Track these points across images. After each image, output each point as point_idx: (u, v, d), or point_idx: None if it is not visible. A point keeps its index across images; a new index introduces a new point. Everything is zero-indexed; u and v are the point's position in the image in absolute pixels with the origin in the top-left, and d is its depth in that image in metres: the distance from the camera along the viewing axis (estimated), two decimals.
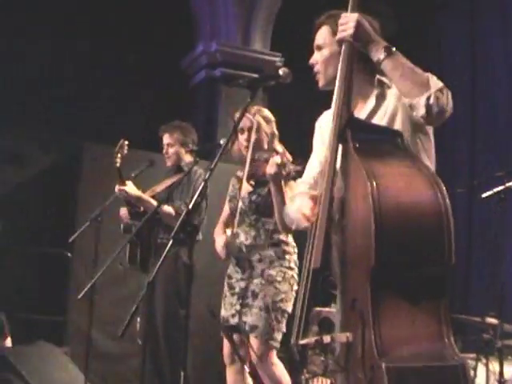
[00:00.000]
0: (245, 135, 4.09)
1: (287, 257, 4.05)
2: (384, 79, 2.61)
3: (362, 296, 2.14)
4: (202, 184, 2.63)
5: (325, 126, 2.79)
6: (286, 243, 4.09)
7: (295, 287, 3.98)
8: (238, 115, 3.87)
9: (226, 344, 4.11)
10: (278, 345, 3.95)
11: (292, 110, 4.26)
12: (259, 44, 7.83)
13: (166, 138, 5.18)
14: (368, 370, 2.08)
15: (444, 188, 2.16)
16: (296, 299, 3.89)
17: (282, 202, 3.68)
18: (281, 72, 2.85)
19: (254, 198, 4.08)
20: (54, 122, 7.08)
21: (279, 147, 4.10)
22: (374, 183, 2.10)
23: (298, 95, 5.65)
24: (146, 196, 4.96)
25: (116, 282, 5.94)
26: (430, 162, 2.49)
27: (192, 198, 2.69)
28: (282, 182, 3.54)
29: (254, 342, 3.92)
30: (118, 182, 4.98)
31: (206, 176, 2.62)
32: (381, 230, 2.06)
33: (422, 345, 2.10)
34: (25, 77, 6.95)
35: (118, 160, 5.06)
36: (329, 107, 2.80)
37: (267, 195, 3.87)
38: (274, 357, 3.99)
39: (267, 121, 4.17)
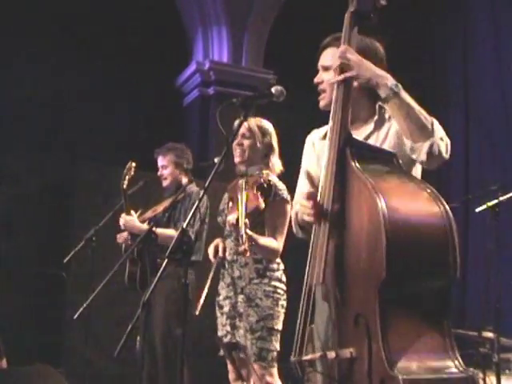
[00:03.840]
0: (237, 140, 4.00)
1: (268, 274, 3.89)
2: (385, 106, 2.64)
3: (368, 310, 2.17)
4: (196, 203, 2.64)
5: (318, 143, 2.84)
6: (269, 260, 3.95)
7: (281, 303, 3.87)
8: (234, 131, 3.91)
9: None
10: (270, 363, 3.80)
11: (285, 127, 4.25)
12: (252, 62, 7.87)
13: (160, 161, 5.23)
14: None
15: (446, 205, 2.23)
16: (286, 315, 3.90)
17: (257, 243, 3.77)
18: (273, 90, 2.87)
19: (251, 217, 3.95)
20: (48, 141, 7.09)
21: (276, 162, 4.08)
22: (382, 199, 2.16)
23: (291, 112, 5.69)
24: (145, 226, 4.95)
25: (113, 302, 5.92)
26: None
27: (188, 217, 2.69)
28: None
29: (249, 363, 3.85)
30: (124, 206, 5.02)
31: (200, 195, 2.62)
32: (392, 245, 2.12)
33: (428, 357, 2.15)
34: (16, 96, 6.96)
35: (126, 182, 5.08)
36: (322, 124, 2.83)
37: (259, 213, 3.87)
38: (272, 377, 3.84)
39: (263, 131, 4.08)
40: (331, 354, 2.27)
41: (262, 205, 3.74)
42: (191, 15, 7.95)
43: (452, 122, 7.45)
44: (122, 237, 5.07)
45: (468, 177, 7.17)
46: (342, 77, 2.45)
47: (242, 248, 3.72)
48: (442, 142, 2.41)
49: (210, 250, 4.01)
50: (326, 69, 2.75)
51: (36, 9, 7.06)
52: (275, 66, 7.67)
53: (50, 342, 6.41)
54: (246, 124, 3.95)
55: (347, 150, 2.36)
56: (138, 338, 4.57)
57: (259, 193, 3.77)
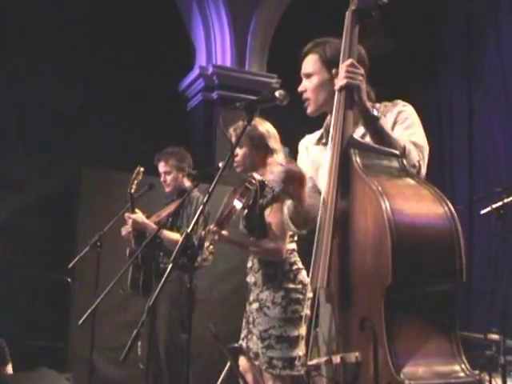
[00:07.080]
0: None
1: (279, 277, 3.82)
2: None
3: (373, 314, 2.15)
4: (201, 207, 2.64)
5: (312, 148, 2.87)
6: (279, 263, 3.86)
7: (293, 308, 3.76)
8: (233, 138, 3.90)
9: (244, 363, 3.99)
10: (280, 371, 3.73)
11: (288, 131, 4.25)
12: (255, 66, 7.88)
13: (162, 167, 5.20)
14: None
15: (451, 206, 2.20)
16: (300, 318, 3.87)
17: (241, 246, 3.87)
18: (277, 94, 2.86)
19: (244, 222, 3.97)
20: (53, 147, 7.11)
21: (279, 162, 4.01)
22: (387, 202, 2.14)
23: (294, 116, 5.68)
24: (152, 223, 4.96)
25: (118, 307, 5.92)
26: None
27: (193, 222, 2.69)
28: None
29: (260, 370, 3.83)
30: (130, 208, 5.01)
31: (205, 199, 2.62)
32: (398, 248, 2.09)
33: (435, 362, 2.13)
34: (23, 102, 6.99)
35: (134, 186, 5.09)
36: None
37: (254, 216, 3.86)
38: None
39: (252, 135, 3.95)
40: (336, 359, 2.25)
41: (237, 206, 3.68)
42: (194, 20, 7.97)
43: (456, 123, 7.46)
44: (126, 229, 5.05)
45: (473, 178, 7.17)
46: (345, 82, 2.44)
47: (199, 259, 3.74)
48: (414, 169, 2.46)
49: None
50: (308, 76, 2.79)
51: (38, 15, 7.09)
52: (279, 70, 7.67)
53: (55, 348, 6.41)
54: (234, 133, 3.91)
55: (350, 152, 2.35)
56: (139, 343, 4.56)
57: (237, 195, 3.73)
